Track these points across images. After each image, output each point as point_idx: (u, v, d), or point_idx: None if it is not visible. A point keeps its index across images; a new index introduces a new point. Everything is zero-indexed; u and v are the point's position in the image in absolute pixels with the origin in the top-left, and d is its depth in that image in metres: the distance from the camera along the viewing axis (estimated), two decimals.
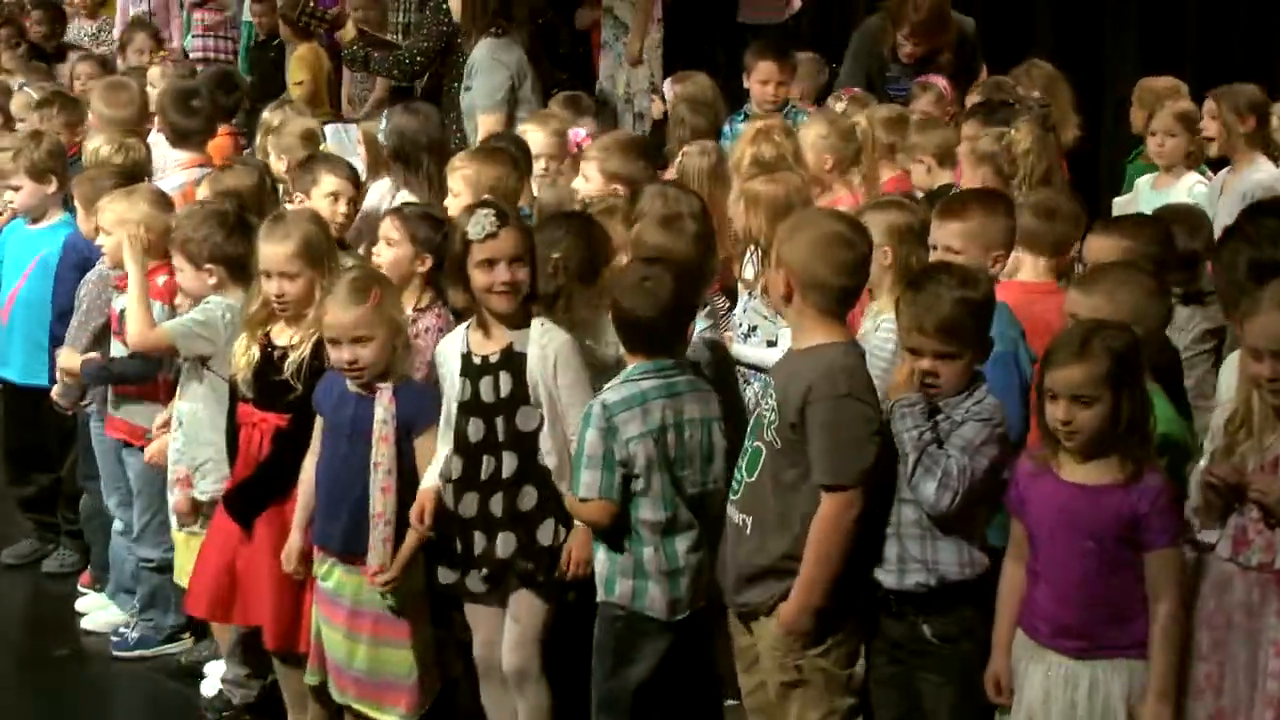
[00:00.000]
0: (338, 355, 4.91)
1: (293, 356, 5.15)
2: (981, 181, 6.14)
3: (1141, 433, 4.10)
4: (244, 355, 5.24)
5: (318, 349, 5.09)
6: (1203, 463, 4.22)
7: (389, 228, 5.53)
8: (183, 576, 5.61)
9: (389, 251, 5.50)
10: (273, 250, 5.20)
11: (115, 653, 6.25)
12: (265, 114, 7.57)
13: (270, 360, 5.19)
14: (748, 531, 4.42)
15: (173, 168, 7.28)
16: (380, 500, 4.90)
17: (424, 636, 5.07)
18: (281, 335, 5.23)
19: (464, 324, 5.00)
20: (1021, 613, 4.26)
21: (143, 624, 6.23)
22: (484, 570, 4.92)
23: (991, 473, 4.26)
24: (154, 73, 9.30)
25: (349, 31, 9.04)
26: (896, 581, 4.34)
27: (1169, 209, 6.15)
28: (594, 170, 6.38)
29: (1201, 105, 7.41)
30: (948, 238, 4.99)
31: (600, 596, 4.73)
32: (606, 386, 4.70)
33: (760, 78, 8.11)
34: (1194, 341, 5.45)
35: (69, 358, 6.01)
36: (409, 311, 5.33)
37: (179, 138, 7.46)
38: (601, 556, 4.72)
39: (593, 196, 6.11)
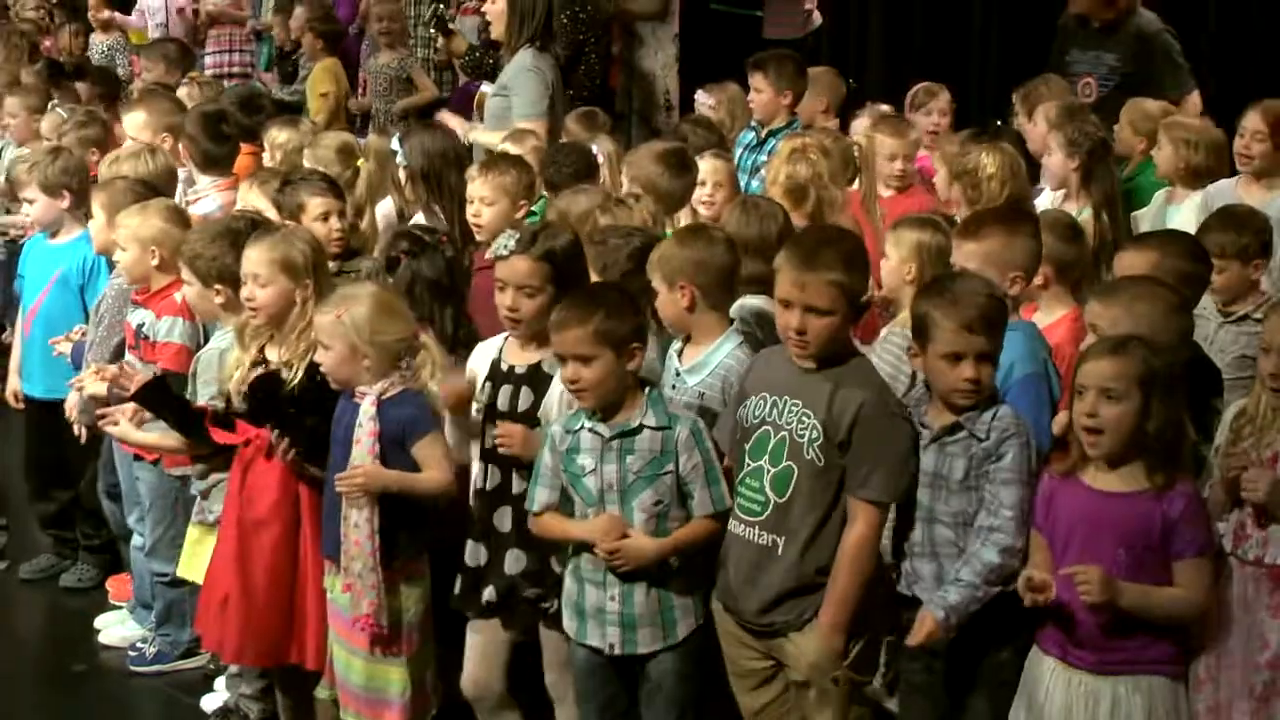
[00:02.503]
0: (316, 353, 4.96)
1: (288, 376, 5.13)
2: (955, 199, 6.17)
3: (1173, 447, 4.10)
4: (236, 368, 5.24)
5: (315, 370, 5.06)
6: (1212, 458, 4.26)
7: None
8: (189, 572, 5.61)
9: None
10: (250, 253, 5.24)
11: (132, 668, 6.25)
12: (272, 130, 7.56)
13: (262, 376, 5.18)
14: (779, 552, 4.41)
15: (205, 189, 7.25)
16: (347, 503, 4.85)
17: (423, 655, 5.03)
18: (272, 351, 5.22)
19: (503, 334, 5.02)
20: (1043, 627, 4.26)
21: (160, 639, 6.23)
22: (490, 588, 4.93)
23: (1033, 490, 4.30)
24: (183, 93, 9.31)
25: (461, 43, 9.04)
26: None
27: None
28: (627, 182, 6.39)
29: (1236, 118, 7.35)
30: (965, 258, 5.00)
31: (658, 644, 4.61)
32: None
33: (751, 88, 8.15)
34: (1229, 366, 5.39)
35: (94, 385, 5.99)
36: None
37: (209, 163, 7.42)
38: (652, 599, 4.61)
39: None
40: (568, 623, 4.71)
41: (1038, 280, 5.20)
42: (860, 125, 7.77)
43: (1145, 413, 4.06)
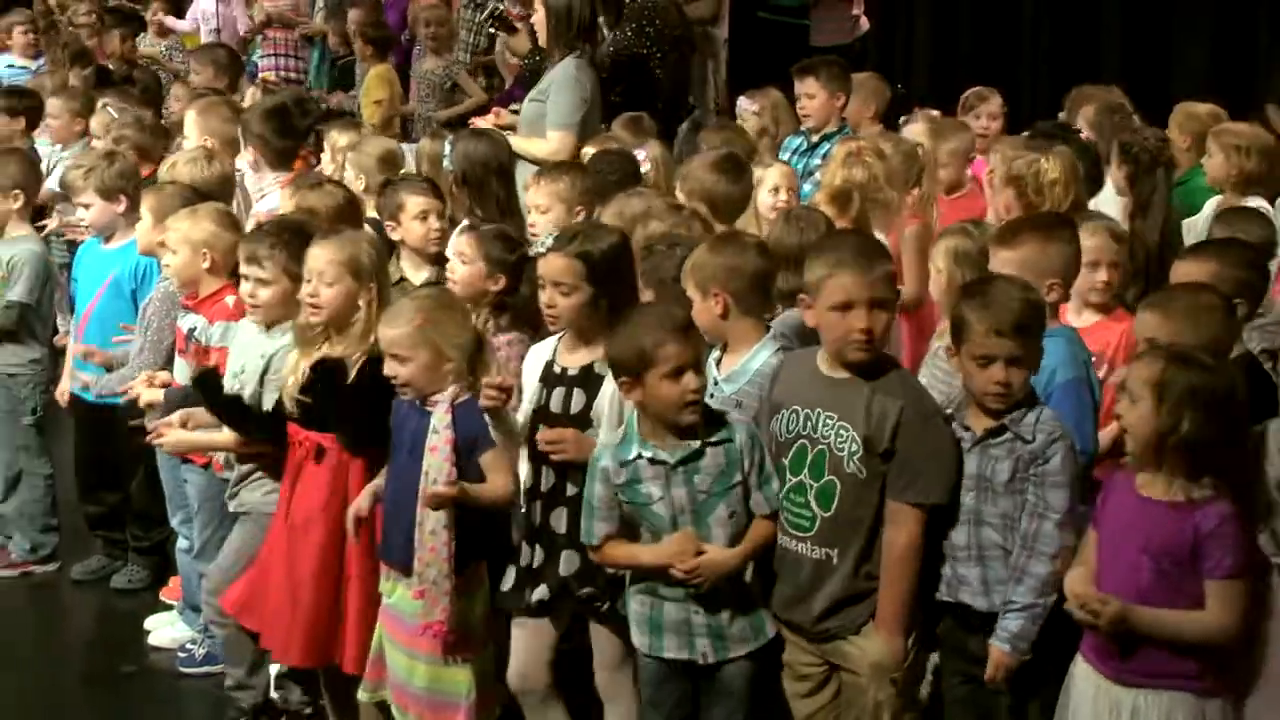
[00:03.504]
0: (386, 366, 4.96)
1: (351, 371, 5.16)
2: (1005, 203, 6.15)
3: (1212, 461, 4.06)
4: (293, 373, 5.28)
5: (369, 372, 5.10)
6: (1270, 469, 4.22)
7: (463, 244, 5.56)
8: None
9: (462, 268, 5.52)
10: (315, 252, 5.26)
11: (182, 669, 6.29)
12: (333, 133, 7.61)
13: (316, 379, 5.21)
14: (834, 563, 4.44)
15: (270, 186, 7.29)
16: (428, 515, 4.88)
17: (485, 656, 5.07)
18: (333, 349, 5.24)
19: (558, 335, 5.03)
20: (1085, 634, 4.24)
21: (209, 641, 6.23)
22: (543, 586, 4.94)
23: (1080, 492, 4.32)
24: (252, 94, 9.37)
25: (523, 41, 9.05)
26: (985, 603, 4.37)
27: None
28: (680, 193, 6.39)
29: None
30: (1001, 265, 5.00)
31: (750, 647, 4.61)
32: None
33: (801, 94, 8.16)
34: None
35: (150, 392, 6.03)
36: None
37: (278, 158, 7.45)
38: (739, 606, 4.61)
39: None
40: (638, 638, 4.69)
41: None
42: (917, 130, 7.77)
43: (1168, 420, 4.03)
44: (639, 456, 4.53)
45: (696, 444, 4.50)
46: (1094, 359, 5.10)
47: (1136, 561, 4.08)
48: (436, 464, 4.85)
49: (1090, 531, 4.28)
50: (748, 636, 4.59)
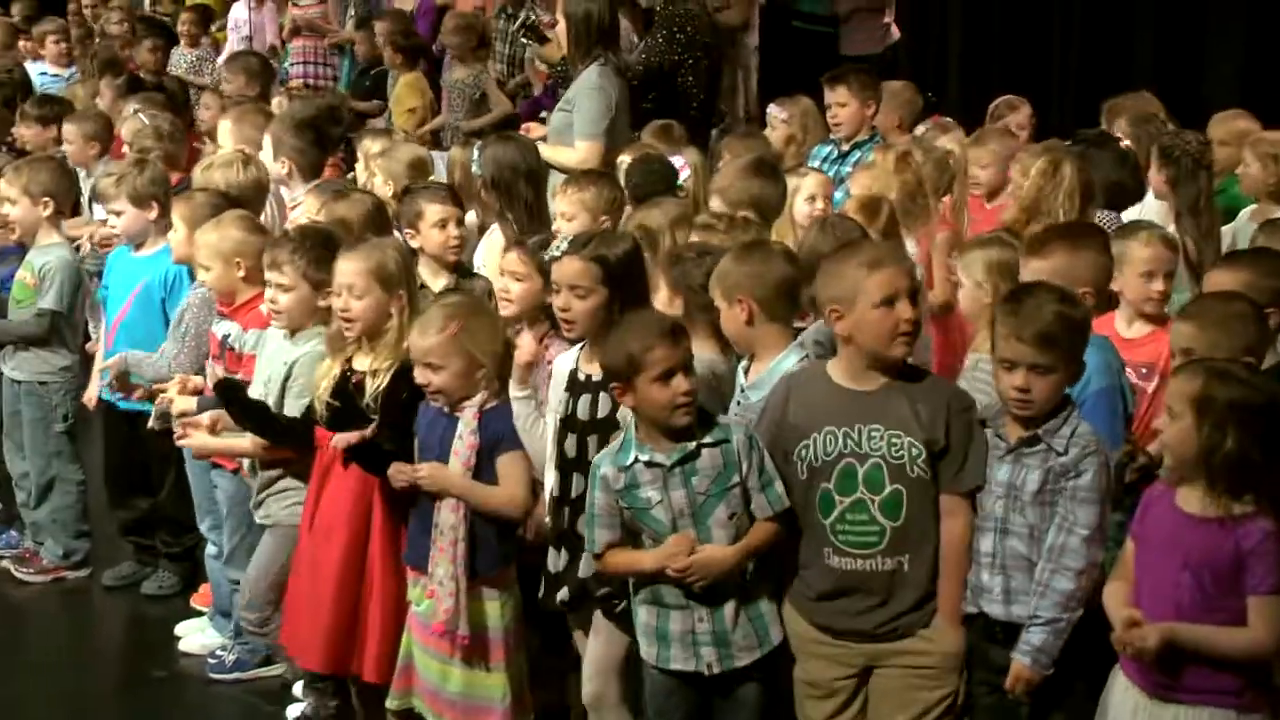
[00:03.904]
0: (417, 375, 4.95)
1: (371, 385, 5.17)
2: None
3: (1254, 476, 4.01)
4: (324, 379, 5.29)
5: (399, 377, 5.12)
6: None
7: (514, 262, 5.45)
8: None
9: (517, 285, 5.40)
10: (342, 265, 5.27)
11: (212, 675, 6.29)
12: (365, 140, 7.62)
13: (347, 386, 5.22)
14: (907, 569, 4.46)
15: (303, 196, 7.29)
16: (440, 513, 4.90)
17: (519, 660, 5.07)
18: (361, 361, 5.25)
19: (581, 343, 5.04)
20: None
21: (239, 647, 6.26)
22: (565, 588, 4.95)
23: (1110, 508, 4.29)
24: (278, 103, 9.39)
25: (554, 51, 9.06)
26: (1003, 612, 4.36)
27: None
28: (717, 201, 6.37)
29: None
30: (1032, 275, 4.98)
31: (755, 655, 4.60)
32: None
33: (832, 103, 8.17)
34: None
35: (183, 399, 6.04)
36: (527, 338, 5.32)
37: (311, 168, 7.47)
38: (742, 612, 4.60)
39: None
40: (646, 649, 4.68)
41: None
42: (949, 138, 7.77)
43: (1211, 436, 3.99)
44: (636, 461, 4.53)
45: (692, 445, 4.50)
46: (1145, 370, 5.09)
47: (1177, 577, 4.05)
48: (453, 466, 4.91)
49: (1128, 544, 4.25)
50: (753, 644, 4.58)
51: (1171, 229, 6.20)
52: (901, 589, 4.47)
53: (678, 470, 4.50)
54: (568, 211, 6.32)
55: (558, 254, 5.00)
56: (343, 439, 5.11)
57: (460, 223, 6.31)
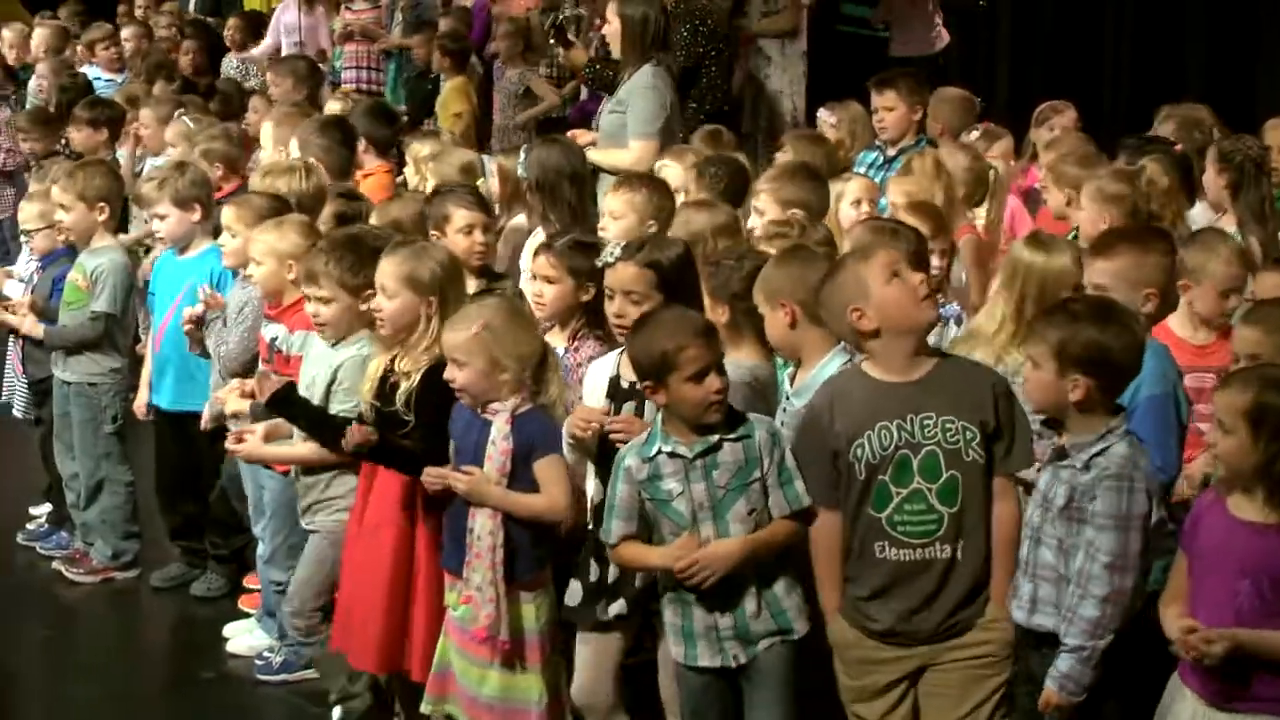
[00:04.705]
0: (446, 370, 4.98)
1: (403, 385, 5.18)
2: (1109, 223, 6.05)
3: None
4: (370, 381, 5.30)
5: (429, 379, 5.12)
6: None
7: (544, 266, 5.47)
8: None
9: (550, 288, 5.42)
10: (382, 264, 5.29)
11: (259, 676, 6.31)
12: (414, 144, 7.65)
13: (385, 386, 5.23)
14: (960, 557, 4.47)
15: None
16: (475, 519, 4.90)
17: (554, 661, 5.07)
18: (401, 362, 5.26)
19: (619, 349, 5.02)
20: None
21: (285, 648, 6.26)
22: (620, 600, 4.94)
23: (1143, 532, 4.22)
24: (333, 107, 9.44)
25: (580, 54, 9.06)
26: (1025, 619, 4.36)
27: None
28: (768, 201, 6.37)
29: None
30: (1097, 275, 4.97)
31: (778, 638, 4.62)
32: None
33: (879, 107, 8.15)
34: None
35: (236, 402, 6.06)
36: (561, 342, 5.33)
37: (340, 170, 7.51)
38: (763, 608, 4.61)
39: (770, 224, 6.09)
40: (674, 647, 4.70)
41: None
42: (999, 148, 7.75)
43: (1269, 447, 3.96)
44: (659, 452, 4.56)
45: (714, 438, 4.52)
46: (1218, 374, 4.99)
47: (1235, 585, 4.02)
48: (488, 471, 4.90)
49: (1180, 555, 4.23)
50: (773, 631, 4.59)
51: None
52: (954, 578, 4.47)
53: (699, 462, 4.52)
54: (617, 210, 6.31)
55: (611, 260, 4.99)
56: (351, 439, 5.10)
57: (488, 229, 6.29)
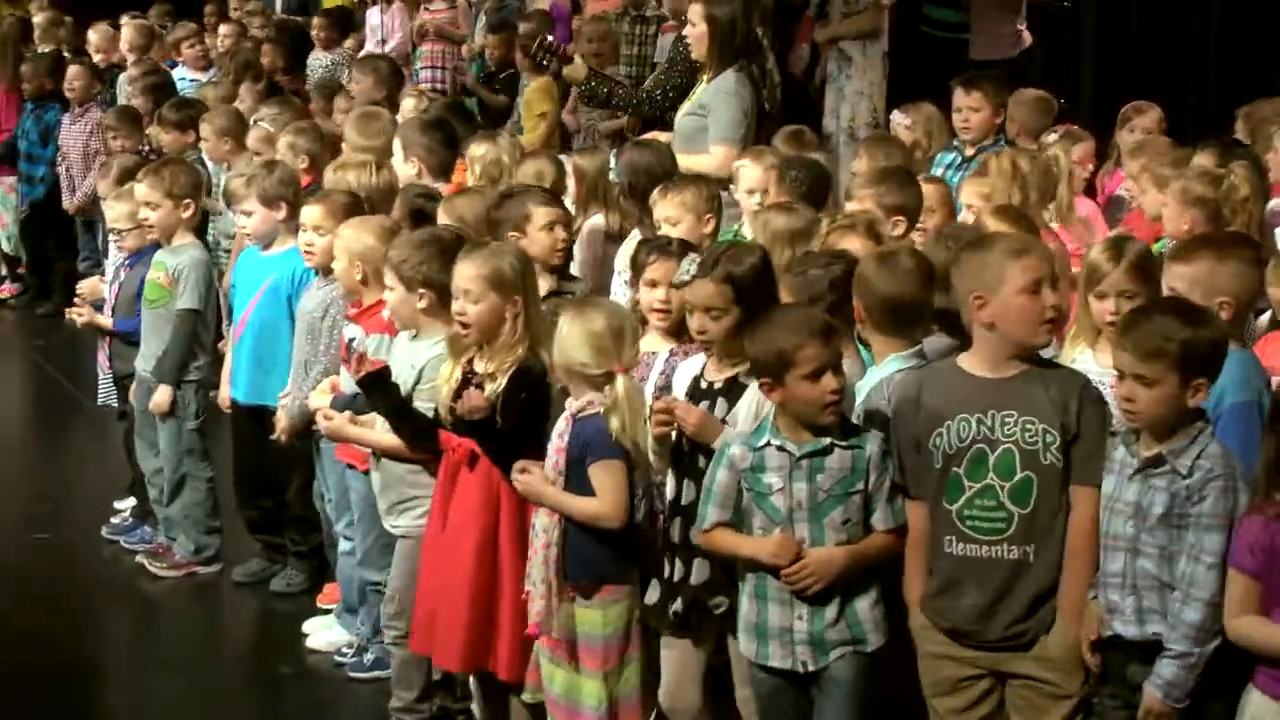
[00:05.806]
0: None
1: (489, 387, 5.19)
2: (1189, 224, 6.01)
3: None
4: (446, 382, 5.32)
5: (516, 379, 5.15)
6: None
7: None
8: None
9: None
10: (460, 269, 5.29)
11: (350, 674, 6.33)
12: (472, 145, 7.65)
13: (467, 388, 5.24)
14: (1032, 559, 4.44)
15: None
16: (537, 516, 4.95)
17: (622, 673, 5.05)
18: (480, 363, 5.28)
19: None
20: (1263, 668, 4.13)
21: (376, 646, 6.24)
22: (679, 599, 4.95)
23: None
24: (408, 104, 9.48)
25: (580, 69, 9.08)
26: (1138, 632, 4.30)
27: None
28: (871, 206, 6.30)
29: None
30: (1173, 280, 4.93)
31: (850, 649, 4.61)
32: None
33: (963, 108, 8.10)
34: None
35: (321, 396, 6.07)
36: (665, 346, 5.33)
37: (442, 170, 7.53)
38: (841, 616, 4.60)
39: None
40: (745, 645, 4.70)
41: None
42: (1080, 150, 7.70)
43: None
44: (768, 444, 4.56)
45: (826, 441, 4.52)
46: None
47: None
48: (545, 466, 4.96)
49: (1237, 580, 4.14)
50: (846, 640, 4.58)
51: None
52: (1021, 583, 4.43)
53: (805, 462, 4.52)
54: (672, 216, 6.29)
55: (687, 278, 4.97)
56: (468, 401, 5.14)
57: (568, 226, 6.30)
